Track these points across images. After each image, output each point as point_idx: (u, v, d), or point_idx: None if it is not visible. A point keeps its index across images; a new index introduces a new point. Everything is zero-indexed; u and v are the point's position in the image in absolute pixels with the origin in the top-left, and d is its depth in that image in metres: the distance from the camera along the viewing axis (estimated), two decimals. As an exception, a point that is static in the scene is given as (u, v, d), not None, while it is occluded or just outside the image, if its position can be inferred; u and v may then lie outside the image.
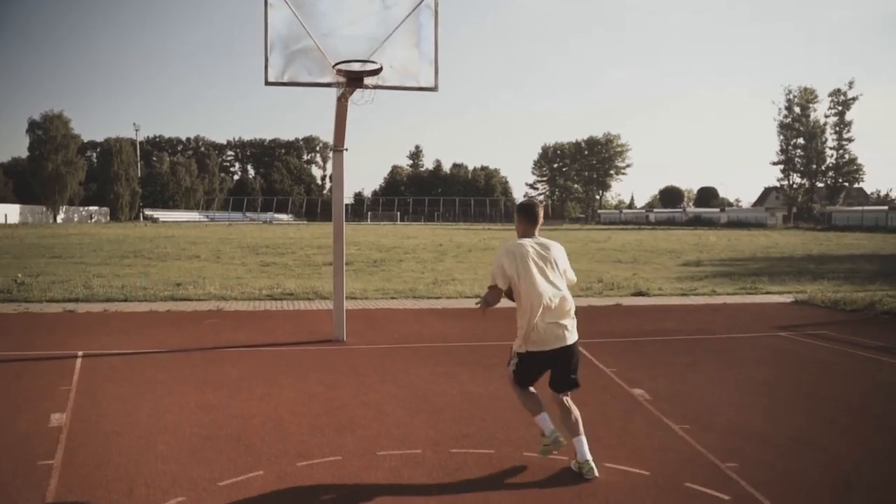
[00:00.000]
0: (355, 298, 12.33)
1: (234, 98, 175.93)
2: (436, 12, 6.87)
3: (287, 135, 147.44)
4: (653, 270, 19.75)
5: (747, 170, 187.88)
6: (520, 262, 4.40)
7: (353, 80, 6.45)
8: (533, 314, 4.40)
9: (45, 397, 5.70)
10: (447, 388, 6.32)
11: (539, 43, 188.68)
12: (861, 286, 15.53)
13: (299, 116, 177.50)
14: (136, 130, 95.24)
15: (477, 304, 4.70)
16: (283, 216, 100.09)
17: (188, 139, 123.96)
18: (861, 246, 36.75)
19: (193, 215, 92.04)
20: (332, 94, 6.93)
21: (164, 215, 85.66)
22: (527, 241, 4.50)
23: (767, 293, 14.36)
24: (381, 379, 6.57)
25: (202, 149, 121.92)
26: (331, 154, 8.03)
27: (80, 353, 7.24)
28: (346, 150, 7.88)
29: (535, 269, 4.44)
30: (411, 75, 6.87)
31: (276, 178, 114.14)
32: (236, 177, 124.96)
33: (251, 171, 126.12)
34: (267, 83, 6.54)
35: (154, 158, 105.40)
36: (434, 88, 6.96)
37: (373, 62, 6.39)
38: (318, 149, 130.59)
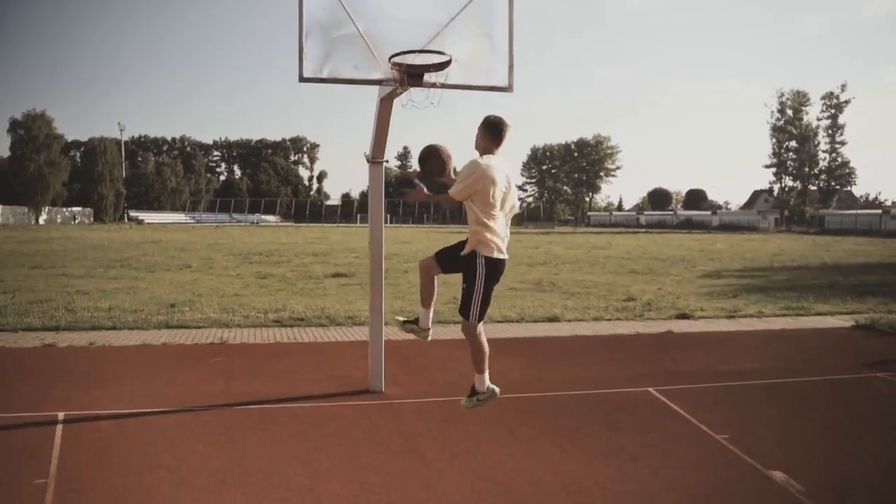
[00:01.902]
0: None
1: (221, 98, 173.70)
2: (510, -8, 5.53)
3: (274, 135, 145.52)
4: (675, 284, 18.56)
5: (736, 172, 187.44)
6: (494, 188, 4.71)
7: (413, 77, 5.07)
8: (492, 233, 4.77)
9: (10, 500, 4.27)
10: (537, 471, 4.94)
11: (526, 42, 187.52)
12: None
13: (286, 116, 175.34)
14: (121, 130, 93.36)
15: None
16: (271, 217, 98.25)
17: (174, 139, 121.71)
18: (869, 253, 35.98)
19: (179, 217, 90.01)
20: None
21: (149, 217, 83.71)
22: (500, 164, 4.75)
23: (818, 314, 13.22)
24: (448, 458, 5.19)
25: (188, 149, 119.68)
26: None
27: (61, 416, 5.77)
28: (387, 161, 6.51)
29: (498, 205, 4.80)
30: (480, 71, 5.47)
31: (263, 178, 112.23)
32: (222, 177, 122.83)
33: (237, 172, 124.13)
34: (302, 79, 5.14)
35: (139, 159, 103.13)
36: (508, 88, 5.60)
37: (440, 53, 5.01)
38: (305, 149, 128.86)
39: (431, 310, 5.33)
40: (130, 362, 7.97)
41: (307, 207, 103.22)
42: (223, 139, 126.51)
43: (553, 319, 11.85)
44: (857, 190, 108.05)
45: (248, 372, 7.60)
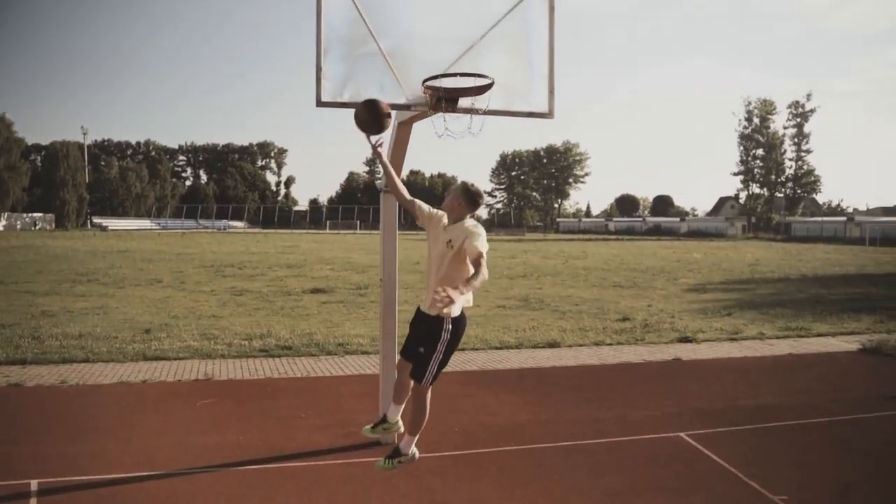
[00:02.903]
0: (366, 353, 10.30)
1: (186, 101, 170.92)
2: (551, 6, 4.92)
3: (241, 140, 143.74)
4: (663, 300, 18.23)
5: (703, 179, 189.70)
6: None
7: (450, 102, 4.46)
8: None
9: None
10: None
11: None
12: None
13: (254, 121, 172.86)
14: (84, 134, 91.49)
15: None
16: (238, 223, 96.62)
17: (138, 143, 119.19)
18: (842, 262, 36.22)
19: (144, 223, 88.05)
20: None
21: (113, 223, 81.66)
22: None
23: (818, 335, 12.91)
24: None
25: (153, 153, 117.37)
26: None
27: (34, 486, 5.04)
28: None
29: None
30: (517, 94, 4.87)
31: (230, 184, 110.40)
32: (188, 183, 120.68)
33: (204, 177, 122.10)
34: (319, 103, 4.49)
35: (102, 163, 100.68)
36: (549, 115, 5.01)
37: (481, 76, 4.41)
38: (272, 154, 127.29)
39: (402, 406, 5.05)
40: (108, 406, 7.22)
41: (275, 213, 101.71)
42: (189, 143, 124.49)
43: (553, 345, 11.33)
44: (821, 197, 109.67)
45: (242, 417, 6.90)
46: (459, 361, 9.73)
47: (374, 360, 9.77)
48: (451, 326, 4.55)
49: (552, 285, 21.68)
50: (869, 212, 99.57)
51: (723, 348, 11.48)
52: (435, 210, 4.78)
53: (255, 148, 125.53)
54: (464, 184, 4.55)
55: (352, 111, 4.39)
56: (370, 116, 4.47)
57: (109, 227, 77.35)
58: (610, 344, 11.61)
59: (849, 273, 28.79)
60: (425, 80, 4.50)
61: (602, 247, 53.29)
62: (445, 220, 4.64)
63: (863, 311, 15.96)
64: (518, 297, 18.20)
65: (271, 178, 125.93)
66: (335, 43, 4.50)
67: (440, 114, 4.58)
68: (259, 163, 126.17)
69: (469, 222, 4.52)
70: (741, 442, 6.54)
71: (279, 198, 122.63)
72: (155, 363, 9.27)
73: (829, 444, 6.63)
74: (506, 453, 6.04)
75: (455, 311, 4.55)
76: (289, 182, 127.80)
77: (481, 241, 4.37)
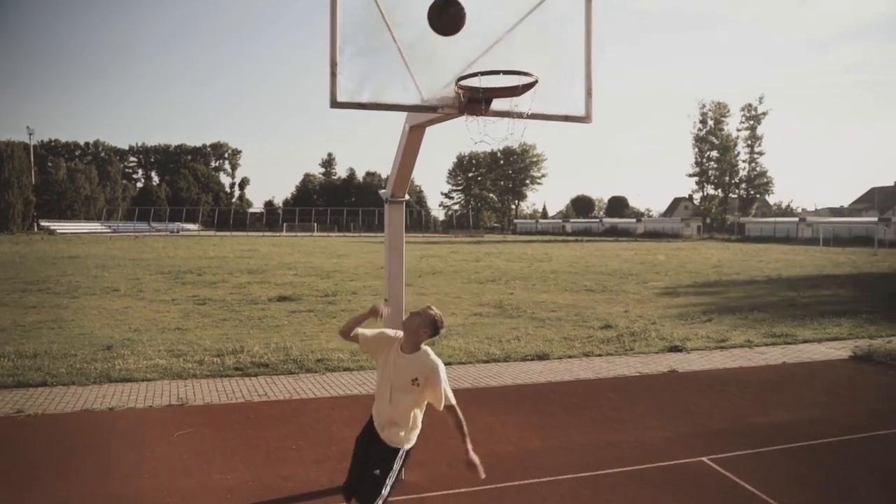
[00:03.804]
0: (348, 370, 9.69)
1: (137, 100, 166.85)
2: (588, -1, 4.40)
3: (193, 140, 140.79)
4: (637, 304, 17.99)
5: (657, 179, 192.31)
6: None
7: (482, 104, 3.90)
8: None
9: None
10: None
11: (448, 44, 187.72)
12: (891, 327, 14.20)
13: (206, 121, 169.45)
14: (30, 134, 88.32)
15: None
16: (192, 226, 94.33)
17: (87, 144, 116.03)
18: (802, 263, 36.65)
19: (95, 226, 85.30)
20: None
21: (61, 226, 78.83)
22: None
23: (805, 341, 12.72)
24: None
25: (102, 154, 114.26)
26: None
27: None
28: (408, 199, 5.31)
29: None
30: (550, 96, 4.32)
31: (183, 185, 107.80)
32: (140, 184, 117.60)
33: (156, 179, 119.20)
34: (335, 104, 3.88)
35: (50, 164, 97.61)
36: (586, 118, 4.48)
37: (525, 74, 3.86)
38: (226, 155, 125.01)
39: None
40: (73, 441, 6.48)
41: (231, 216, 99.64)
42: (140, 144, 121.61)
43: (542, 357, 10.87)
44: (772, 198, 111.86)
45: (226, 452, 6.24)
46: (450, 378, 9.20)
47: (358, 378, 9.18)
48: (406, 454, 4.41)
49: (523, 290, 21.29)
50: (817, 212, 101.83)
51: (714, 358, 11.16)
52: (378, 333, 4.43)
53: (209, 149, 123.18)
54: (433, 317, 4.30)
55: (369, 113, 3.83)
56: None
57: (58, 231, 74.71)
58: (599, 355, 11.20)
59: (811, 274, 29.03)
60: (460, 79, 3.93)
61: (563, 249, 53.21)
62: (399, 345, 4.35)
63: (839, 314, 15.93)
64: (492, 303, 17.75)
65: (225, 180, 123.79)
66: (352, 36, 3.89)
67: (474, 117, 4.00)
68: (213, 164, 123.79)
69: (432, 356, 4.32)
70: (768, 466, 6.13)
71: (233, 200, 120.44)
72: (121, 386, 8.52)
73: (861, 464, 6.26)
74: (528, 487, 5.52)
75: (414, 438, 4.42)
76: (243, 184, 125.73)
77: (448, 387, 4.29)
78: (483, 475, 4.17)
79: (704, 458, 6.21)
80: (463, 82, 3.98)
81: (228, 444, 6.44)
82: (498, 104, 4.09)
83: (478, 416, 7.47)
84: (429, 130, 4.79)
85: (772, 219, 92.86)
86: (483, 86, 3.92)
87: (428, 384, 4.25)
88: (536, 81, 3.93)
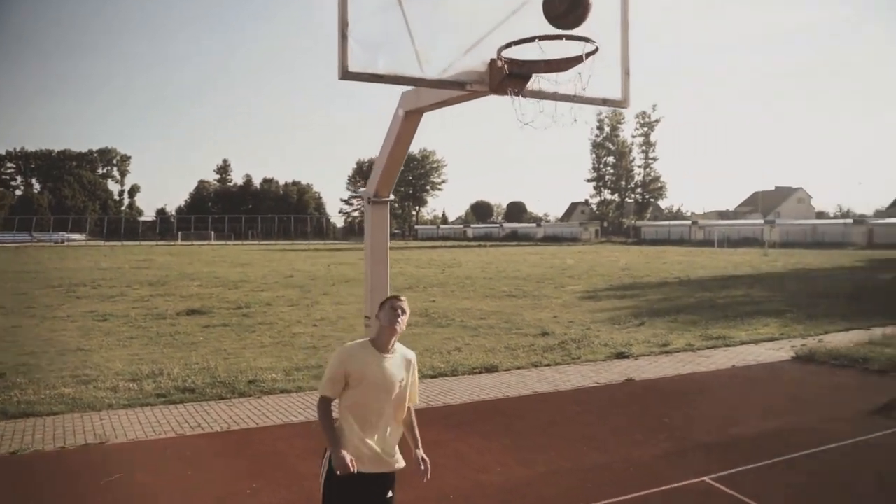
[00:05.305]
0: (286, 392, 8.76)
1: (16, 103, 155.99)
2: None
3: (78, 146, 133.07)
4: (563, 309, 17.76)
5: (554, 185, 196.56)
6: None
7: (519, 80, 3.19)
8: None
9: None
10: None
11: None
12: (815, 325, 14.44)
13: (93, 126, 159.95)
14: None
15: None
16: (78, 236, 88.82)
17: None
18: (704, 265, 37.78)
19: (-32, 237, 79.07)
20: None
21: (-71, 238, 72.70)
22: None
23: (742, 343, 12.69)
24: None
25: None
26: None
27: None
28: (393, 199, 4.54)
29: None
30: (580, 79, 3.65)
31: (67, 193, 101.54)
32: (19, 192, 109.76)
33: (37, 186, 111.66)
34: (346, 74, 3.05)
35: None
36: (624, 102, 3.85)
37: (585, 39, 3.18)
38: (114, 161, 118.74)
39: None
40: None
41: (121, 224, 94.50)
42: (19, 149, 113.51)
43: (491, 369, 10.27)
44: (664, 202, 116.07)
45: (169, 500, 5.25)
46: (445, 392, 8.54)
47: (300, 401, 8.28)
48: None
49: (444, 297, 20.72)
50: (706, 215, 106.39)
51: (663, 364, 10.87)
52: (344, 367, 3.49)
53: (96, 154, 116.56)
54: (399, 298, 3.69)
55: (384, 87, 3.06)
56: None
57: (-76, 243, 68.72)
58: (548, 364, 10.70)
59: (717, 275, 29.83)
60: (502, 47, 3.20)
61: (469, 254, 53.04)
62: (369, 350, 3.55)
63: (761, 314, 16.21)
64: (417, 311, 17.01)
65: (114, 187, 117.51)
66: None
67: (507, 97, 3.29)
68: (100, 170, 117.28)
69: (403, 348, 3.70)
70: (772, 482, 5.72)
71: (123, 208, 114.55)
72: (22, 422, 7.26)
73: (860, 471, 5.96)
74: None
75: None
76: (133, 191, 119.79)
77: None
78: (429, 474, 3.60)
79: (706, 479, 5.72)
80: (508, 52, 3.26)
81: (168, 491, 5.43)
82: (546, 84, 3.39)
83: (443, 439, 6.74)
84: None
85: (666, 222, 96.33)
86: (530, 58, 3.21)
87: (412, 379, 3.66)
88: (597, 49, 3.27)
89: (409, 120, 3.99)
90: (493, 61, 3.33)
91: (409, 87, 3.86)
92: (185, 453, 6.33)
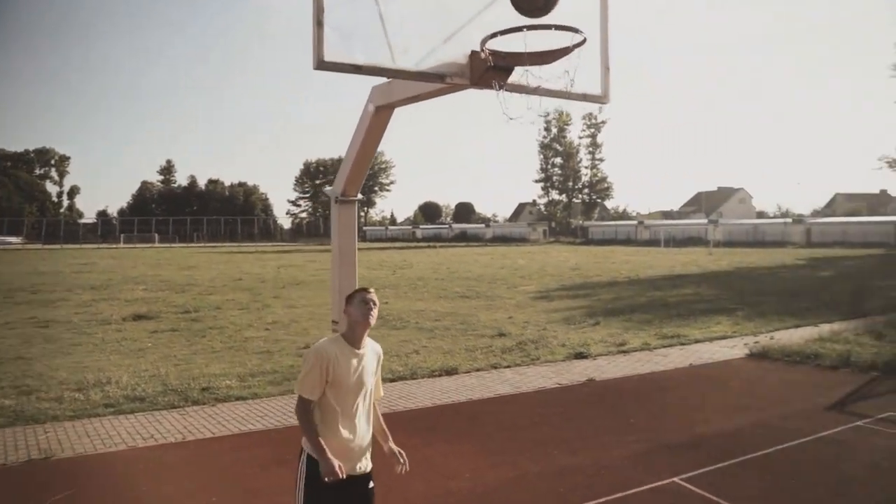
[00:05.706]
0: (242, 399, 8.47)
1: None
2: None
3: (14, 146, 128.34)
4: (517, 310, 17.73)
5: (500, 185, 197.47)
6: None
7: (501, 73, 3.04)
8: None
9: None
10: None
11: (295, 52, 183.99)
12: (766, 322, 14.70)
13: (29, 125, 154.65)
14: None
15: None
16: (14, 239, 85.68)
17: None
18: (651, 265, 38.22)
19: None
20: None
21: None
22: None
23: (696, 341, 12.82)
24: None
25: None
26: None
27: None
28: (361, 198, 4.36)
29: None
30: (567, 75, 3.52)
31: (3, 195, 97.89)
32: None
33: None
34: (320, 64, 2.85)
35: None
36: (604, 98, 3.74)
37: (575, 31, 3.04)
38: (52, 162, 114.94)
39: None
40: None
41: (60, 227, 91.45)
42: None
43: (451, 371, 10.14)
44: (610, 203, 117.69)
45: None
46: (407, 394, 8.30)
47: (257, 408, 8.01)
48: None
49: (396, 298, 20.49)
50: (650, 215, 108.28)
51: (622, 363, 10.88)
52: (322, 365, 3.32)
53: (32, 155, 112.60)
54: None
55: (364, 78, 2.88)
56: None
57: None
58: (508, 366, 10.62)
59: (666, 274, 30.24)
60: (486, 39, 3.05)
61: (419, 255, 52.87)
62: (343, 346, 3.42)
63: (712, 312, 16.45)
64: (372, 313, 16.78)
65: (52, 189, 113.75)
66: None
67: (487, 90, 3.14)
68: (37, 171, 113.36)
69: (372, 341, 3.61)
70: (743, 481, 5.70)
71: (62, 210, 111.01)
72: (-42, 436, 6.85)
73: (827, 466, 5.97)
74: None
75: None
76: (72, 192, 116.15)
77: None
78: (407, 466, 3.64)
79: (676, 479, 5.67)
80: (491, 43, 3.10)
81: (122, 508, 5.15)
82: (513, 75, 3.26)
83: (409, 444, 6.50)
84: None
85: (613, 222, 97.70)
86: (513, 50, 3.06)
87: (379, 373, 3.63)
88: (585, 40, 3.14)
89: (379, 116, 3.83)
90: (474, 53, 3.19)
91: (380, 82, 3.70)
92: (138, 467, 6.01)
